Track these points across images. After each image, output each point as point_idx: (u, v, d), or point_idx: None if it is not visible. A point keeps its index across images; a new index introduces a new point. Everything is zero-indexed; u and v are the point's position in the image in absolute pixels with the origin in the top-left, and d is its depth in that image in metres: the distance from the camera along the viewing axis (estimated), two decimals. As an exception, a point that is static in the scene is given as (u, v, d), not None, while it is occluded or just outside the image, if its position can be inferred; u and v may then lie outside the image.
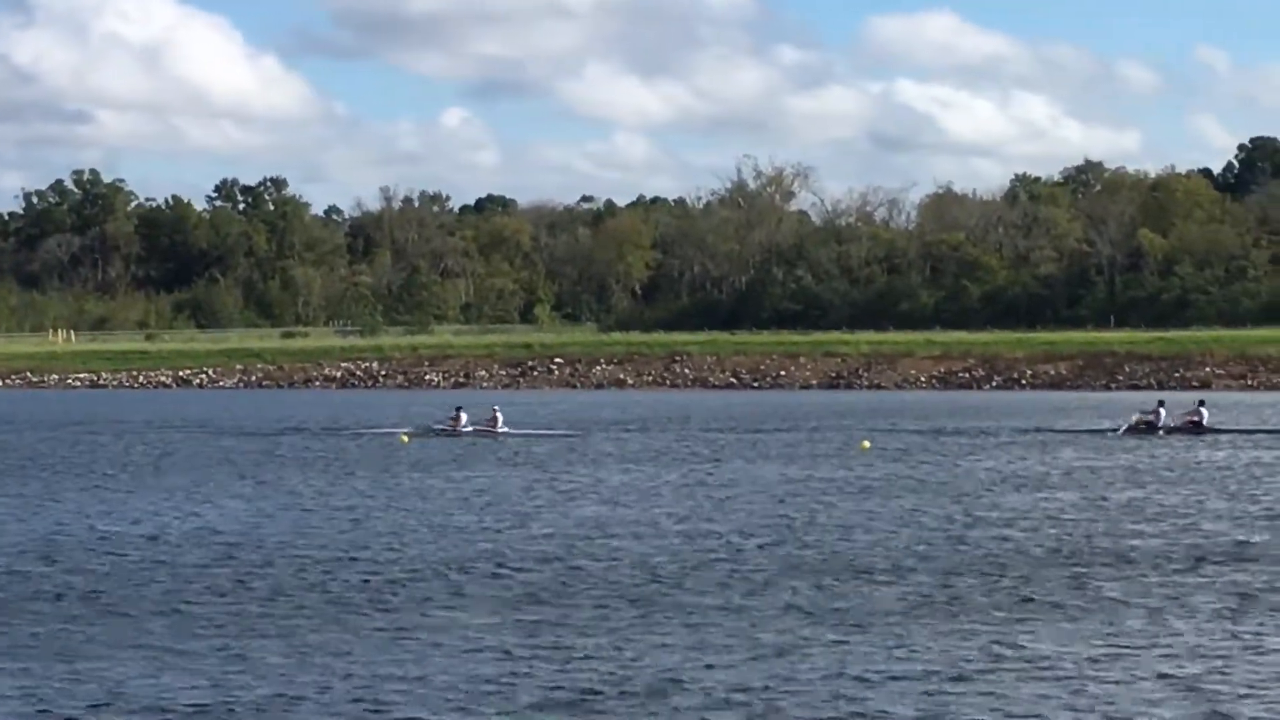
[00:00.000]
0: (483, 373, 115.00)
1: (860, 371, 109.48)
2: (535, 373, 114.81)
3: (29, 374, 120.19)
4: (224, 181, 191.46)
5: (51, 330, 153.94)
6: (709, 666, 18.13)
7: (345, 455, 49.55)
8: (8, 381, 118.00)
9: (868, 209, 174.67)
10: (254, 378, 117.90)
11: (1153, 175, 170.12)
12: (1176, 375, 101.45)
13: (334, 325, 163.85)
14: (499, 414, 58.49)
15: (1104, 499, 35.57)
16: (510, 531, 30.23)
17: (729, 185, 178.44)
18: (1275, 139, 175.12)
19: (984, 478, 40.96)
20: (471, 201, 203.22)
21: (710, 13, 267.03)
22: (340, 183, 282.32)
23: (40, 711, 16.48)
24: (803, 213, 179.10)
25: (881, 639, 19.60)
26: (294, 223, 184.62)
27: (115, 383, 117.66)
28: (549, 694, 16.93)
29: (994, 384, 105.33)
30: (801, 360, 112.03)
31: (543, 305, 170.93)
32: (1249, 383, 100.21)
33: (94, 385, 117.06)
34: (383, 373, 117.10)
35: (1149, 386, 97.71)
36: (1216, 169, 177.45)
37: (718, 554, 26.94)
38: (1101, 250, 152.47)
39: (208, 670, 18.12)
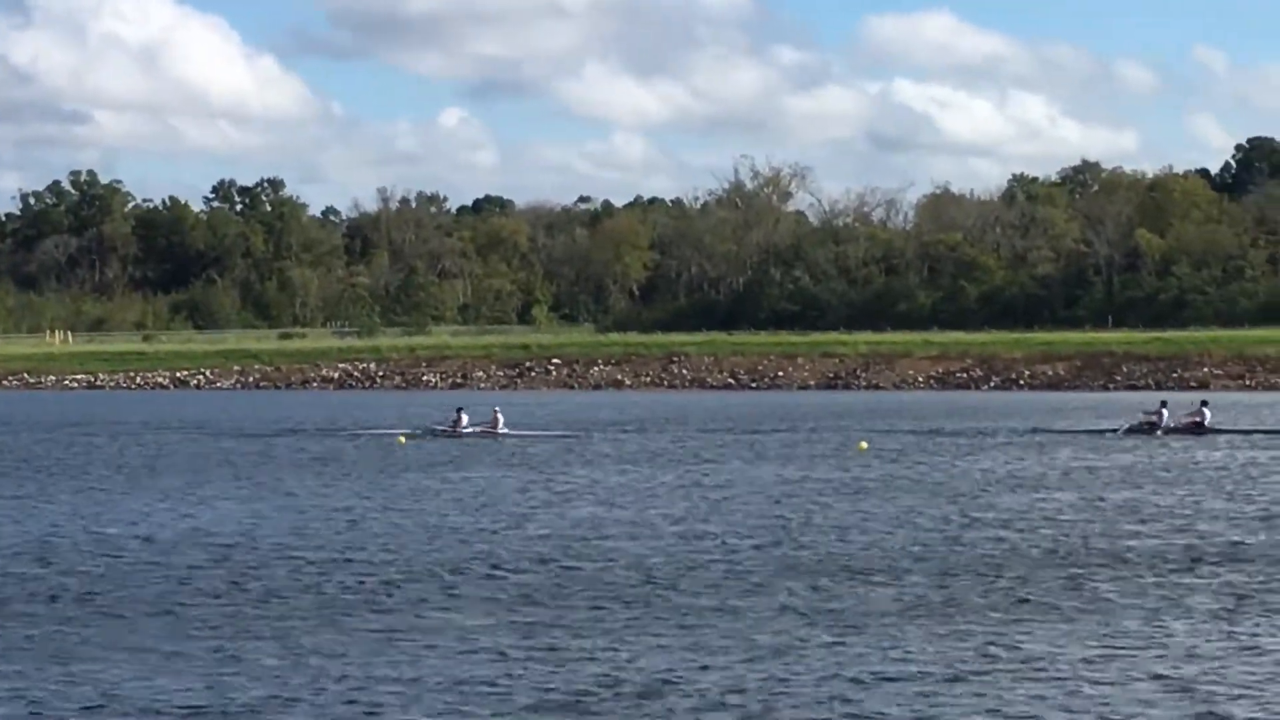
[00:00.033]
0: (480, 374, 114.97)
1: (858, 372, 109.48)
2: (533, 373, 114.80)
3: (26, 375, 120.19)
4: (221, 182, 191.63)
5: (49, 331, 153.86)
6: (704, 668, 18.10)
7: (342, 456, 49.51)
8: (4, 383, 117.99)
9: (865, 209, 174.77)
10: (251, 379, 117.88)
11: (1150, 175, 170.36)
12: (1174, 375, 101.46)
13: (331, 326, 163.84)
14: (500, 415, 58.46)
15: (1101, 499, 35.54)
16: (506, 533, 30.19)
17: (726, 185, 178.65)
18: (1273, 139, 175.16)
19: (981, 478, 40.93)
20: (469, 202, 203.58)
21: (707, 13, 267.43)
22: (337, 183, 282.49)
23: (33, 714, 16.44)
24: (800, 213, 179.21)
25: (877, 640, 19.57)
26: (291, 223, 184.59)
27: (112, 384, 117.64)
28: (543, 695, 16.90)
29: (992, 384, 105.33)
30: (799, 361, 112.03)
31: (540, 306, 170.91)
32: (1247, 383, 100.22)
33: (91, 386, 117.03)
34: (380, 374, 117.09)
35: (1147, 387, 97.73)
36: (1214, 169, 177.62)
37: (713, 555, 26.91)
38: (1099, 250, 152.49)
39: (202, 672, 18.09)
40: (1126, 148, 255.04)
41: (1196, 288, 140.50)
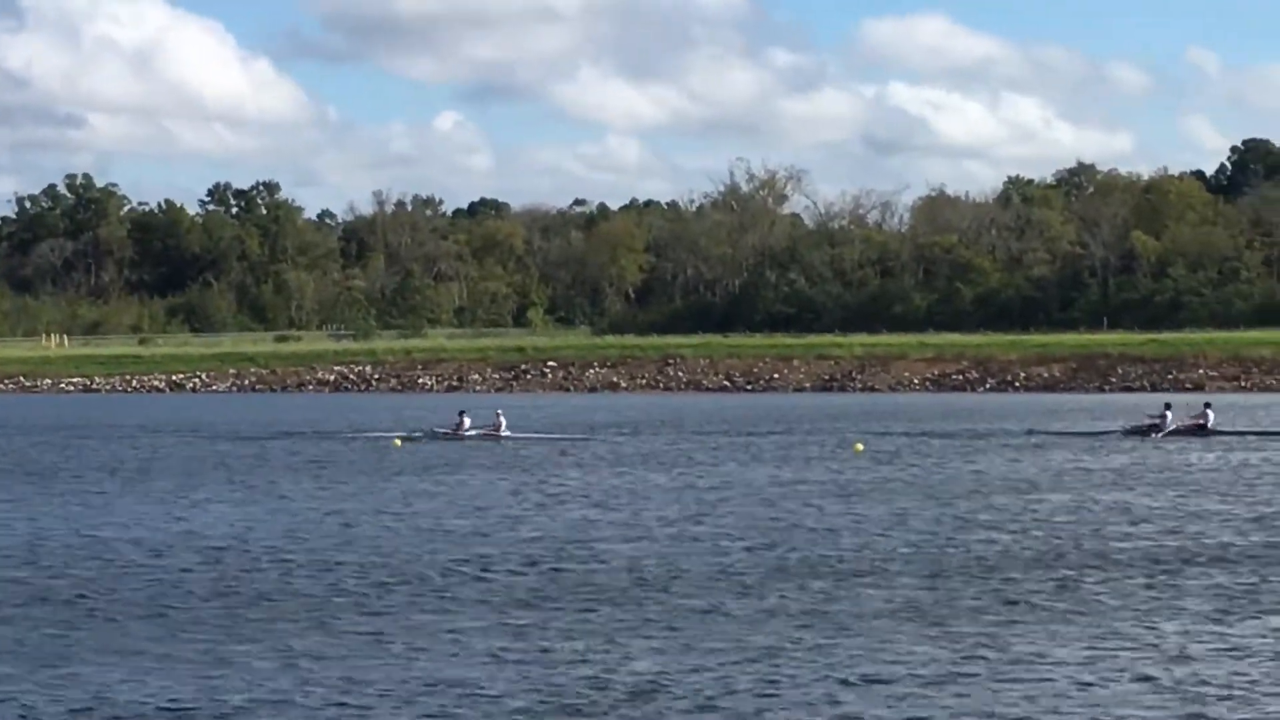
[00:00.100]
0: (476, 376, 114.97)
1: (853, 374, 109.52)
2: (529, 376, 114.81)
3: (22, 379, 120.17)
4: (216, 185, 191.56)
5: (44, 335, 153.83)
6: (696, 669, 18.11)
7: (337, 459, 49.50)
8: (0, 386, 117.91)
9: (860, 211, 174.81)
10: (247, 381, 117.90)
11: (1145, 177, 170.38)
12: (1170, 377, 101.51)
13: (327, 329, 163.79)
14: (502, 418, 58.35)
15: (1094, 501, 35.56)
16: (498, 535, 30.19)
17: (722, 188, 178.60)
18: (1268, 141, 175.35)
19: (975, 480, 40.94)
20: (464, 205, 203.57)
21: (702, 14, 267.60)
22: (333, 186, 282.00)
23: (24, 716, 16.44)
24: (795, 215, 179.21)
25: (868, 642, 19.58)
26: (287, 227, 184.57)
27: (108, 387, 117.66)
28: (536, 697, 16.91)
29: (987, 386, 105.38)
30: (795, 363, 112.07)
31: (536, 309, 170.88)
32: (1242, 384, 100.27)
33: (87, 390, 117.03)
34: (376, 376, 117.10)
35: (1142, 389, 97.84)
36: (1209, 171, 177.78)
37: (705, 557, 26.91)
38: (1094, 252, 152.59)
39: (193, 674, 18.09)
40: (1121, 150, 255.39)
41: (1192, 289, 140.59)
